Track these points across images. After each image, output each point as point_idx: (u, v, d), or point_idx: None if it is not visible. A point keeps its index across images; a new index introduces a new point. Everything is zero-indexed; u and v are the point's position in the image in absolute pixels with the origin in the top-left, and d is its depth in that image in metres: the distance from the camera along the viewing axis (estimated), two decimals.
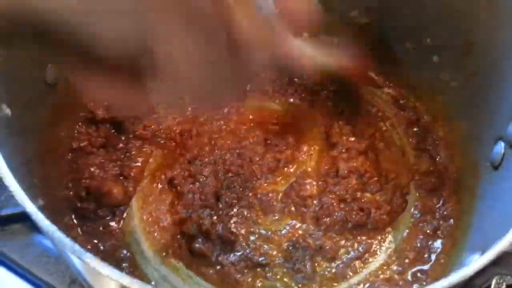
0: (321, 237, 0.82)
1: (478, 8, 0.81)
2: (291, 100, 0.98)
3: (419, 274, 0.79)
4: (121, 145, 0.89)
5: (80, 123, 0.88)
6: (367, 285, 0.78)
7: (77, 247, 0.47)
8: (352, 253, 0.81)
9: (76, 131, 0.88)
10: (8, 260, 0.84)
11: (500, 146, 0.75)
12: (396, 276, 0.79)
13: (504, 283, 0.71)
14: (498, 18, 0.78)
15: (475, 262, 0.50)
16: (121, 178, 0.85)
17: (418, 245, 0.82)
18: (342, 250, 0.81)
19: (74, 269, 0.62)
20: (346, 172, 0.88)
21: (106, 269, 0.46)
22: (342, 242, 0.82)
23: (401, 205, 0.86)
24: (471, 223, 0.79)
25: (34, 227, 0.78)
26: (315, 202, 0.85)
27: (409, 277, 0.79)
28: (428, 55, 0.95)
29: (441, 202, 0.87)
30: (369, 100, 1.01)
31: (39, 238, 0.85)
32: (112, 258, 0.78)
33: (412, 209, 0.86)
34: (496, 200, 0.73)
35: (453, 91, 0.91)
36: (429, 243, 0.82)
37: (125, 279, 0.43)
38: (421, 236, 0.82)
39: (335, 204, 0.84)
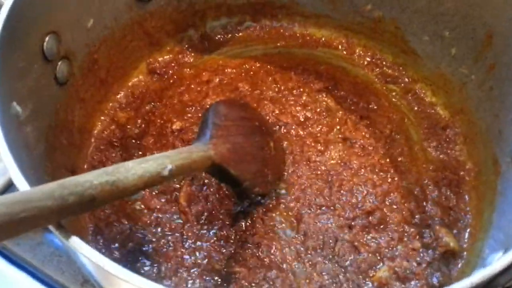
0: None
1: None
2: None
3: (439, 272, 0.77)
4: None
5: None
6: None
7: (89, 248, 0.47)
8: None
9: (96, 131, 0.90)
10: (20, 260, 0.84)
11: None
12: (414, 272, 0.77)
13: None
14: None
15: (499, 261, 0.48)
16: None
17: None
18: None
19: (85, 270, 0.61)
20: (358, 166, 0.87)
21: (121, 272, 0.45)
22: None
23: (421, 202, 0.84)
24: (491, 220, 0.77)
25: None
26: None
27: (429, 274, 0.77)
28: (446, 48, 0.93)
29: (460, 198, 0.84)
30: (385, 95, 0.99)
31: (51, 237, 0.85)
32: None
33: (430, 205, 0.84)
34: None
35: (472, 85, 0.89)
36: None
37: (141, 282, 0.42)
38: (440, 234, 0.80)
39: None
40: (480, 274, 0.47)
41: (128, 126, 0.92)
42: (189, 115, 0.94)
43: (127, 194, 0.54)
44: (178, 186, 0.84)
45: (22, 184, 0.50)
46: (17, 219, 0.41)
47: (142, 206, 0.82)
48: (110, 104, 0.94)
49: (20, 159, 0.54)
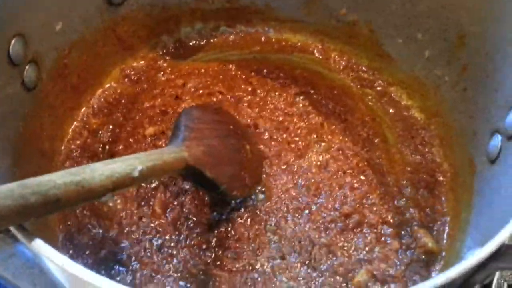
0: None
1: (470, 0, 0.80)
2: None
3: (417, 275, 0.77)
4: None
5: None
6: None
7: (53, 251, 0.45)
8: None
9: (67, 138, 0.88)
10: None
11: (497, 139, 0.73)
12: (393, 275, 0.76)
13: (506, 283, 0.69)
14: (490, 9, 0.77)
15: (474, 256, 0.48)
16: None
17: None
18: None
19: (54, 279, 0.59)
20: (335, 169, 0.87)
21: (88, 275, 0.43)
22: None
23: (399, 204, 0.84)
24: (469, 220, 0.77)
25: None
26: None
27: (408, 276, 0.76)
28: (420, 50, 0.93)
29: (437, 199, 0.84)
30: (362, 99, 0.98)
31: (22, 248, 0.82)
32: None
33: (408, 206, 0.83)
34: (494, 194, 0.70)
35: (446, 86, 0.89)
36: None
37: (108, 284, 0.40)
38: (418, 235, 0.80)
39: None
40: (455, 269, 0.46)
41: (100, 133, 0.90)
42: (162, 120, 0.92)
43: (94, 196, 0.52)
44: (152, 193, 0.82)
45: None
46: None
47: (115, 212, 0.80)
48: (82, 110, 0.92)
49: None
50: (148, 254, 0.77)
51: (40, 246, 0.43)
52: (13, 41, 0.68)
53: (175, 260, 0.76)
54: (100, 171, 0.52)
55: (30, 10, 0.72)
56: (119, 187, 0.55)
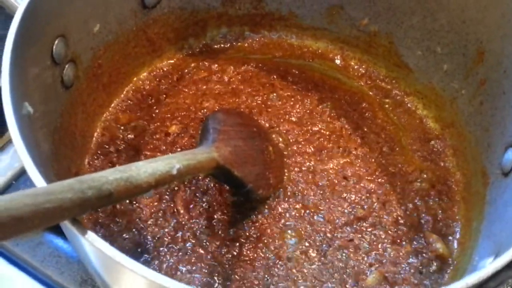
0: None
1: (491, 17, 0.83)
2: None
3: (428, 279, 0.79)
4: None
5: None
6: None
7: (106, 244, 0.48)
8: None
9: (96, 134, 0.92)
10: (20, 260, 0.85)
11: (511, 154, 0.76)
12: (404, 277, 0.79)
13: None
14: (509, 28, 0.80)
15: (490, 266, 0.51)
16: None
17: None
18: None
19: (90, 266, 0.62)
20: (352, 174, 0.90)
21: (130, 263, 0.46)
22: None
23: (412, 210, 0.87)
24: (480, 229, 0.80)
25: None
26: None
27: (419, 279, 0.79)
28: (438, 63, 0.96)
29: (450, 207, 0.87)
30: (379, 107, 1.02)
31: (50, 237, 0.86)
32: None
33: (422, 213, 0.86)
34: (507, 206, 0.73)
35: (463, 99, 0.92)
36: None
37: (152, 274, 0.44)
38: (431, 240, 0.83)
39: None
40: (476, 276, 0.49)
41: (127, 129, 0.93)
42: (186, 118, 0.96)
43: (140, 191, 0.56)
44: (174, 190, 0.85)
45: (37, 179, 0.52)
46: (42, 209, 0.43)
47: (137, 205, 0.83)
48: (110, 108, 0.95)
49: (32, 157, 0.55)
50: (173, 245, 0.80)
51: (94, 240, 0.47)
52: (56, 42, 0.72)
53: (200, 250, 0.79)
54: (144, 168, 0.56)
55: (71, 13, 0.76)
56: (160, 184, 0.59)
